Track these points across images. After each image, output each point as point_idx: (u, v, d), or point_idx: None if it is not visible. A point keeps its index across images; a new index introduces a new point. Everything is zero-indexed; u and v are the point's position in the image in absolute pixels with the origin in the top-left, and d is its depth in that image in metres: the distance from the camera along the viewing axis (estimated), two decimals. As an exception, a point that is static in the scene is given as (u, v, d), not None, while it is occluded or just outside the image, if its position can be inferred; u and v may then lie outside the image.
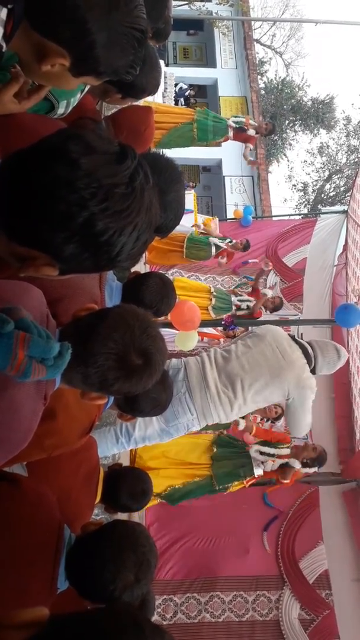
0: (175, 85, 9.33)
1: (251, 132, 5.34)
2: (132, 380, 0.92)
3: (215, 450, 4.18)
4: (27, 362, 0.75)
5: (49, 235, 0.72)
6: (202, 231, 5.91)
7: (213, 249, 5.18)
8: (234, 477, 4.17)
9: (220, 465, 4.14)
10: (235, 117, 5.54)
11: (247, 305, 5.36)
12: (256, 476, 4.18)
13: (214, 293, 5.10)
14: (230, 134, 5.23)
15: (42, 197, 0.70)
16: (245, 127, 5.31)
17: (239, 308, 5.34)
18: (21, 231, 0.74)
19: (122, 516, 3.30)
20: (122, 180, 0.72)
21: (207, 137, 5.06)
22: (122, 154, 0.73)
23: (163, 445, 4.07)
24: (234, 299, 5.45)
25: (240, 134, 5.33)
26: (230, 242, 5.48)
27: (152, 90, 1.71)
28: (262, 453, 4.22)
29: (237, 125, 5.26)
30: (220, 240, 5.46)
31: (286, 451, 4.27)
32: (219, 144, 5.59)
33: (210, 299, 5.04)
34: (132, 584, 1.13)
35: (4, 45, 0.88)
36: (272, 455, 4.23)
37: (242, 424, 4.20)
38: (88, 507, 1.68)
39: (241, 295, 5.64)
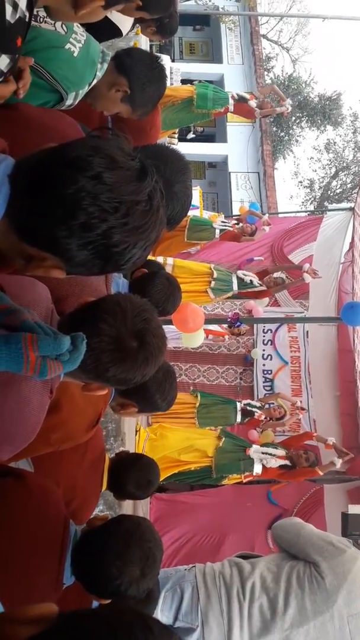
0: (181, 81, 9.29)
1: (252, 103, 5.21)
2: (126, 362, 0.91)
3: (223, 438, 4.22)
4: (40, 361, 0.76)
5: (65, 241, 0.73)
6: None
7: (217, 232, 4.96)
8: (233, 468, 4.24)
9: (223, 457, 4.21)
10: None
11: (251, 280, 5.05)
12: (254, 474, 4.23)
13: (215, 275, 4.87)
14: (231, 105, 5.09)
15: (64, 205, 0.71)
16: (248, 99, 5.20)
17: (242, 282, 5.01)
18: (36, 233, 0.75)
19: (127, 510, 3.32)
20: (142, 197, 0.74)
21: (206, 104, 4.90)
22: (142, 171, 0.75)
23: (173, 440, 4.13)
24: (239, 272, 5.13)
25: (241, 105, 5.20)
26: (237, 224, 5.30)
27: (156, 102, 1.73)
28: (263, 452, 4.29)
29: (239, 97, 5.16)
30: (224, 223, 5.27)
31: (282, 452, 4.34)
32: (220, 115, 5.38)
33: (210, 281, 4.87)
34: (138, 579, 1.13)
35: (28, 14, 0.89)
36: (272, 455, 4.30)
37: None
38: (94, 496, 1.68)
39: (245, 271, 5.34)
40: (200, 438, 4.28)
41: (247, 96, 5.25)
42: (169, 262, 4.76)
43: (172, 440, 4.14)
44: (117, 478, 1.73)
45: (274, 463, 4.25)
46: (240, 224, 5.25)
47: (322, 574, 2.11)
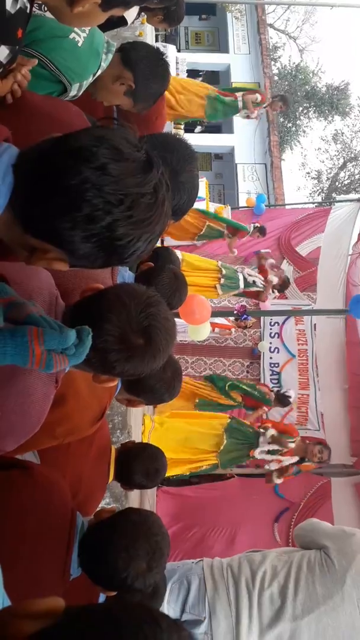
0: (187, 71, 9.21)
1: (253, 114, 5.44)
2: (133, 360, 0.90)
3: (225, 441, 4.25)
4: (46, 355, 0.76)
5: (68, 233, 0.72)
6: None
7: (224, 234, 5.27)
8: (237, 461, 4.46)
9: (227, 456, 4.31)
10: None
11: (254, 281, 5.29)
12: (258, 458, 4.34)
13: (223, 272, 5.00)
14: (240, 105, 5.28)
15: (69, 197, 0.70)
16: (260, 103, 5.40)
17: (245, 281, 5.24)
18: (39, 225, 0.74)
19: (134, 503, 3.33)
20: (148, 190, 0.73)
21: (215, 117, 5.20)
22: (148, 163, 0.74)
23: (177, 433, 4.15)
24: (246, 271, 5.35)
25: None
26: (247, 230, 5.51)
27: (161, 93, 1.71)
28: (268, 452, 4.30)
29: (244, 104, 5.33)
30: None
31: (290, 445, 4.33)
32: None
33: (219, 278, 4.98)
34: (144, 572, 1.13)
35: (29, 6, 0.87)
36: (277, 452, 4.30)
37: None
38: (100, 488, 1.69)
39: (251, 271, 5.54)
40: (202, 434, 4.30)
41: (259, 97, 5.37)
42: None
43: (174, 435, 4.17)
44: (125, 468, 1.74)
45: (275, 466, 4.35)
46: (253, 225, 5.49)
47: (331, 555, 2.12)
